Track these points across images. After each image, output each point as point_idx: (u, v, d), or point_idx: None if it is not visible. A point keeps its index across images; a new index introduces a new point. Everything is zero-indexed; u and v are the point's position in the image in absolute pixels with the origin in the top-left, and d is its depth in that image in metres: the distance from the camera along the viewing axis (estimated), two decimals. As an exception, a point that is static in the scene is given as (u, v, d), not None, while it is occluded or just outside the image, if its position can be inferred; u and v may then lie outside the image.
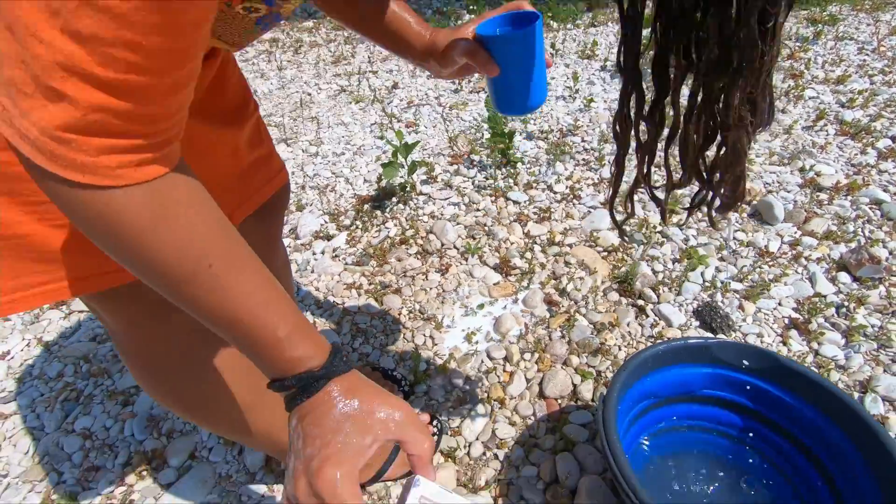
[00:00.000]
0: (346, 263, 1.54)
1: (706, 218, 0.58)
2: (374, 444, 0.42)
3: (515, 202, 1.72)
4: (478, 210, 1.71)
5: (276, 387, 0.44)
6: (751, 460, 0.88)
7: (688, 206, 0.60)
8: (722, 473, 0.88)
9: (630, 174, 0.57)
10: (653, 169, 0.57)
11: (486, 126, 2.13)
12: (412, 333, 1.32)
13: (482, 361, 1.23)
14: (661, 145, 0.53)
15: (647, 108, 0.53)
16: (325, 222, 1.72)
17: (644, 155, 0.55)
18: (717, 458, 0.90)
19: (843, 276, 1.36)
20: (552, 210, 1.67)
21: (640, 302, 1.33)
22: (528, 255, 1.52)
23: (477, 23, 0.66)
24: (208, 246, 0.38)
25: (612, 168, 0.59)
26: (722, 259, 1.45)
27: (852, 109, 2.07)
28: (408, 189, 1.78)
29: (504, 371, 1.21)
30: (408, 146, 1.70)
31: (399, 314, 1.37)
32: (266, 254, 0.83)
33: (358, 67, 2.93)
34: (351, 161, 2.06)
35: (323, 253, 1.59)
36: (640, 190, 0.57)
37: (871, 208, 1.58)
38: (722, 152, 0.51)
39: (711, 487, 0.86)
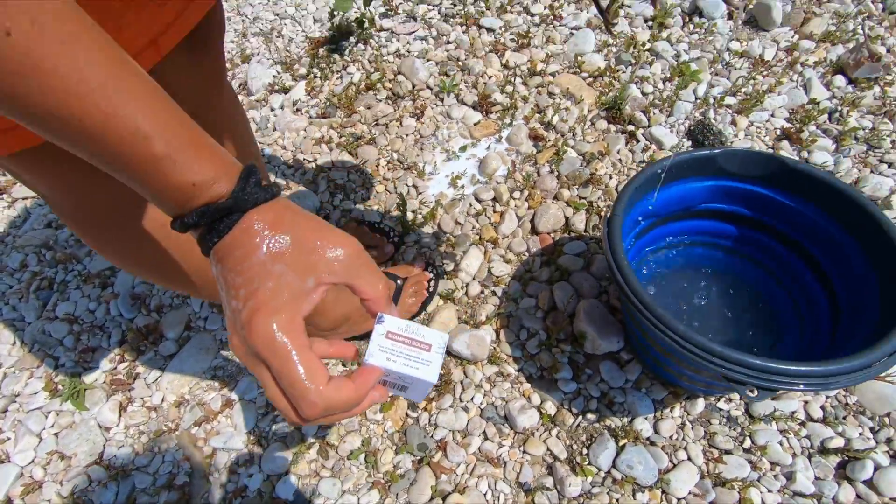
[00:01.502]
0: (311, 117, 1.40)
1: None
2: (319, 287, 0.34)
3: (489, 29, 1.53)
4: (449, 42, 1.52)
5: (177, 226, 0.34)
6: (749, 271, 0.89)
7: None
8: (720, 287, 0.90)
9: None
10: None
11: (447, -61, 1.81)
12: (394, 184, 1.24)
13: (470, 205, 1.18)
14: None
15: None
16: (279, 72, 1.52)
17: None
18: (716, 272, 0.92)
19: (839, 80, 1.29)
20: (531, 35, 1.49)
21: (631, 127, 1.26)
22: (509, 88, 1.39)
23: None
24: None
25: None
26: (715, 74, 1.35)
27: None
28: (366, 25, 1.55)
29: (494, 212, 1.17)
30: (359, -32, 1.44)
31: (377, 165, 1.28)
32: (211, 96, 0.70)
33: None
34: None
35: (282, 107, 1.42)
36: None
37: (872, 2, 1.45)
38: None
39: (709, 299, 0.89)
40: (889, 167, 1.13)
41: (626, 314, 0.87)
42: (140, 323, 1.08)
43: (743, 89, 1.30)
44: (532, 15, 1.56)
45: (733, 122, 1.24)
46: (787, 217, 0.82)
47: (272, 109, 1.42)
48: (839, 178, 1.12)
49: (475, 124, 1.33)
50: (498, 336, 0.99)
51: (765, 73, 1.34)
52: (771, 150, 1.20)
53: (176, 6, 0.60)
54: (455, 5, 1.61)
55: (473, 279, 1.07)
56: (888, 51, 1.34)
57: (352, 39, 1.57)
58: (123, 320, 1.09)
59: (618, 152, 1.23)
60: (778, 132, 1.23)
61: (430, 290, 1.04)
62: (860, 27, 1.39)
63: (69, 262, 1.20)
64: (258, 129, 1.39)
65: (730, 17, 1.48)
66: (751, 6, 1.49)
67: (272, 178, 1.29)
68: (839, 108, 1.24)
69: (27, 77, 0.27)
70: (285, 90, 1.46)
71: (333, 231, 0.36)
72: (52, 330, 1.09)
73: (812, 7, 1.47)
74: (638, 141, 1.24)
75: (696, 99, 1.30)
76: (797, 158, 1.16)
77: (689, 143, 1.22)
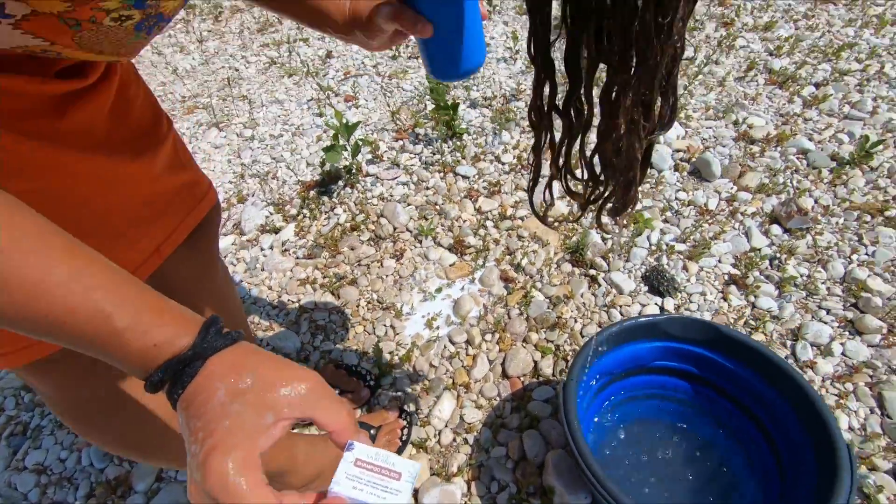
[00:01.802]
0: (298, 257, 1.50)
1: (596, 217, 0.58)
2: (279, 423, 0.34)
3: (465, 177, 1.70)
4: (427, 188, 1.68)
5: (149, 388, 0.35)
6: (703, 423, 0.94)
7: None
8: (675, 437, 0.95)
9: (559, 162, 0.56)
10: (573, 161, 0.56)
11: (428, 97, 2.07)
12: (373, 325, 1.31)
13: (444, 347, 1.25)
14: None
15: (561, 99, 0.52)
16: (271, 213, 1.65)
17: (558, 148, 0.54)
18: (670, 423, 0.97)
19: (776, 229, 1.44)
20: (501, 182, 1.66)
21: (592, 271, 1.38)
22: (482, 231, 1.52)
23: None
24: None
25: (531, 158, 0.58)
26: (666, 221, 1.51)
27: (780, 58, 2.14)
28: (353, 171, 1.72)
29: (467, 355, 1.23)
30: (349, 127, 1.63)
31: (357, 306, 1.36)
32: (205, 281, 0.78)
33: (287, 35, 2.74)
34: (290, 143, 1.96)
35: (272, 248, 1.53)
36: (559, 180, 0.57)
37: (797, 158, 1.67)
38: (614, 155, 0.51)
39: (668, 451, 0.93)
40: (828, 313, 1.23)
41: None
42: (110, 474, 1.07)
43: (692, 236, 1.44)
44: (502, 163, 1.75)
45: (685, 268, 1.36)
46: (731, 378, 0.89)
47: (262, 249, 1.53)
48: (783, 322, 1.22)
49: (450, 265, 1.44)
50: (469, 489, 1.00)
51: (710, 221, 1.49)
52: (721, 294, 1.30)
53: (180, 212, 0.71)
54: (434, 154, 1.81)
55: (446, 426, 1.10)
56: (815, 202, 1.51)
57: (340, 183, 1.73)
58: (94, 470, 1.08)
59: (581, 296, 1.32)
60: (726, 277, 1.34)
61: (403, 438, 1.06)
62: (789, 181, 1.58)
63: (46, 406, 1.21)
64: (247, 269, 1.48)
65: (676, 168, 1.68)
66: (693, 159, 1.69)
67: (257, 319, 1.36)
68: (778, 256, 1.37)
69: None
70: (276, 230, 1.58)
71: (293, 367, 0.37)
72: (19, 482, 1.07)
73: (746, 161, 1.68)
74: (600, 285, 1.35)
75: (650, 245, 1.43)
76: (729, 326, 1.26)
77: (647, 288, 1.32)
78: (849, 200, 1.50)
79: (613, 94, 0.49)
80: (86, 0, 0.38)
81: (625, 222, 1.44)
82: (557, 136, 0.55)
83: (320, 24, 0.65)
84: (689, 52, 2.25)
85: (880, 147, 1.61)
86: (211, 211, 0.75)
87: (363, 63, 2.41)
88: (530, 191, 0.61)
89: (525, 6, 0.48)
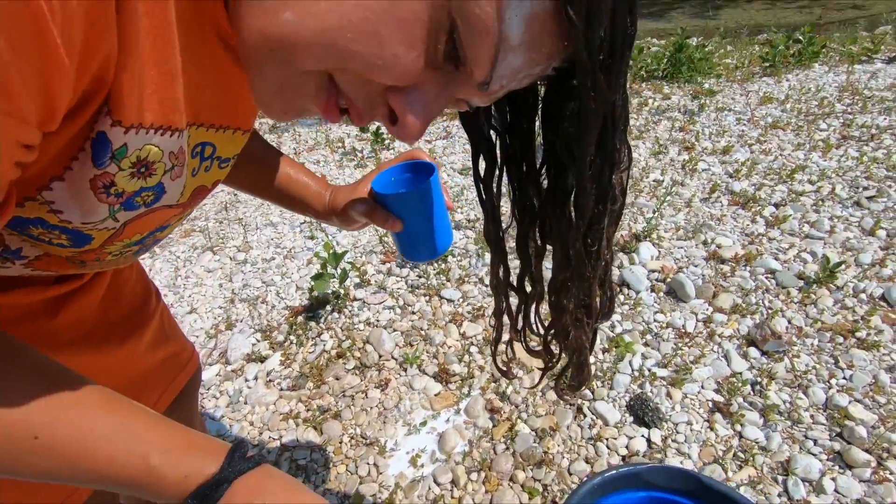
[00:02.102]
0: (282, 389, 1.49)
1: (554, 390, 0.63)
2: None
3: (449, 300, 1.75)
4: (413, 313, 1.72)
5: None
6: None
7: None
8: None
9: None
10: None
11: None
12: (355, 463, 1.27)
13: (429, 488, 1.20)
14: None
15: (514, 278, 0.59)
16: (258, 341, 1.66)
17: (515, 315, 0.60)
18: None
19: (753, 352, 1.47)
20: (485, 306, 1.71)
21: (578, 400, 1.37)
22: (467, 358, 1.53)
23: (374, 175, 0.67)
24: (26, 417, 0.35)
25: (492, 321, 0.63)
26: (646, 344, 1.54)
27: (739, 180, 2.32)
28: (341, 296, 1.77)
29: (452, 497, 1.18)
30: (337, 256, 1.71)
31: (340, 442, 1.32)
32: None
33: (284, 160, 2.94)
34: (282, 266, 2.03)
35: (256, 379, 1.52)
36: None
37: (766, 277, 1.74)
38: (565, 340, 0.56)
39: None
40: (815, 444, 1.22)
41: None
42: None
43: (673, 360, 1.47)
44: (486, 286, 1.81)
45: (669, 395, 1.37)
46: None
47: (246, 381, 1.52)
48: (772, 454, 1.20)
49: (436, 395, 1.43)
50: None
51: (689, 343, 1.53)
52: (707, 423, 1.30)
53: (159, 387, 0.72)
54: (420, 277, 1.87)
55: (430, 585, 1.03)
56: (789, 322, 1.56)
57: (328, 308, 1.76)
58: None
59: (568, 428, 1.31)
60: (710, 404, 1.34)
61: None
62: (761, 301, 1.65)
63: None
64: (230, 403, 1.46)
65: (652, 289, 1.74)
66: (668, 279, 1.76)
67: (235, 458, 1.31)
68: (759, 380, 1.39)
69: (52, 457, 0.35)
70: (262, 359, 1.58)
71: (306, 493, 0.41)
72: None
73: (719, 281, 1.75)
74: (585, 416, 1.34)
75: (632, 371, 1.45)
76: (720, 444, 1.25)
77: (632, 419, 1.32)
78: (820, 321, 1.55)
79: (555, 297, 0.54)
80: (91, 249, 0.43)
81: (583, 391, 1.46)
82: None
83: (302, 210, 0.73)
84: (656, 175, 2.44)
85: (842, 267, 1.70)
86: (191, 378, 0.77)
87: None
88: (493, 349, 0.65)
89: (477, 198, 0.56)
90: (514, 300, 0.62)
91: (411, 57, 0.33)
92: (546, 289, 0.57)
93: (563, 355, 0.60)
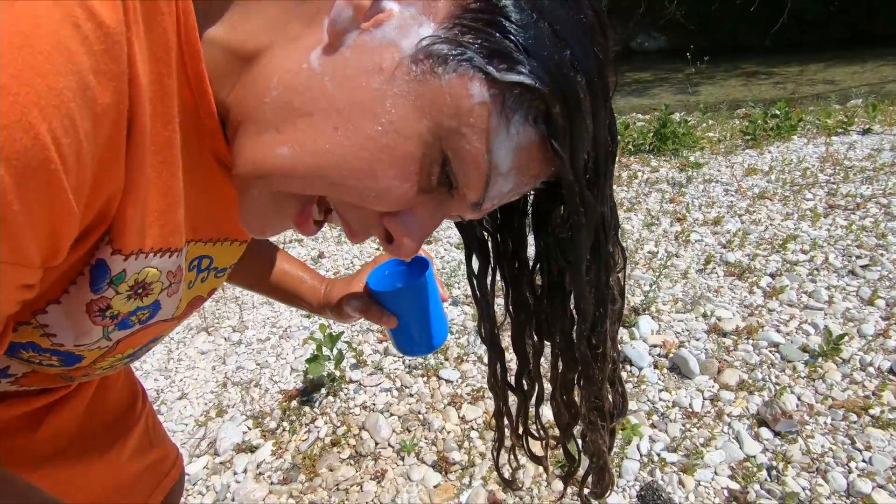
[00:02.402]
0: (272, 483, 1.41)
1: (578, 497, 0.59)
2: None
3: (448, 381, 1.71)
4: (410, 395, 1.66)
5: None
6: None
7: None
8: None
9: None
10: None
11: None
12: (349, 569, 1.18)
13: None
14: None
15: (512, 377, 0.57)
16: (249, 428, 1.59)
17: (516, 418, 0.57)
18: None
19: (765, 432, 1.41)
20: (485, 388, 1.66)
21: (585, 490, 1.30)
22: (467, 444, 1.46)
23: (369, 269, 0.68)
24: None
25: (493, 423, 0.60)
26: (653, 426, 1.48)
27: (732, 251, 2.35)
28: (336, 379, 1.72)
29: None
30: (333, 337, 1.68)
31: (333, 544, 1.23)
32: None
33: (284, 237, 2.99)
34: (277, 347, 1.99)
35: (245, 472, 1.44)
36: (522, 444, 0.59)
37: (770, 351, 1.71)
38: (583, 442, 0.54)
39: None
40: (842, 537, 1.14)
41: None
42: None
43: (682, 443, 1.40)
44: (485, 364, 1.77)
45: (681, 483, 1.30)
46: None
47: (235, 474, 1.44)
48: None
49: (435, 487, 1.35)
50: None
51: (697, 424, 1.47)
52: (724, 515, 1.22)
53: (141, 496, 0.68)
54: (417, 357, 1.83)
55: None
56: (798, 399, 1.52)
57: (323, 391, 1.71)
58: None
59: (576, 523, 1.23)
60: (725, 493, 1.27)
61: None
62: (767, 377, 1.61)
63: None
64: (216, 500, 1.37)
65: (655, 366, 1.71)
66: (671, 354, 1.73)
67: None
68: (775, 464, 1.32)
69: None
70: (252, 450, 1.51)
71: None
72: None
73: (722, 356, 1.72)
74: (594, 508, 1.26)
75: (640, 456, 1.38)
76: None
77: (643, 510, 1.24)
78: (830, 397, 1.50)
79: (563, 397, 0.53)
80: (80, 367, 0.42)
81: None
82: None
83: (297, 304, 0.73)
84: (650, 246, 2.47)
85: (846, 339, 1.67)
86: (176, 484, 0.73)
87: (352, 263, 2.59)
88: (496, 458, 0.61)
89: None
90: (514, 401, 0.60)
91: (405, 188, 0.34)
92: (551, 389, 0.56)
93: (582, 459, 0.57)
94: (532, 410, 0.58)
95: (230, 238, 0.47)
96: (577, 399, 0.53)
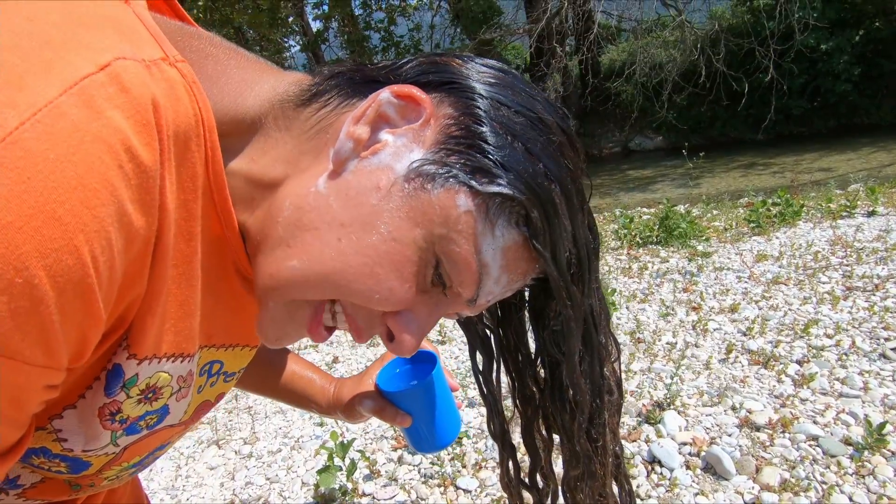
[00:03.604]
0: None
1: None
2: None
3: (466, 490, 1.60)
4: (427, 509, 1.56)
5: None
6: None
7: None
8: None
9: None
10: None
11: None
12: None
13: None
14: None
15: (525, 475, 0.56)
16: (254, 553, 1.49)
17: None
18: None
19: (819, 540, 1.28)
20: (505, 497, 1.55)
21: None
22: (489, 564, 1.34)
23: (378, 368, 0.68)
24: None
25: None
26: (693, 536, 1.35)
27: (754, 338, 2.29)
28: (349, 492, 1.63)
29: None
30: (344, 445, 1.62)
31: None
32: None
33: (300, 343, 3.00)
34: (288, 459, 1.91)
35: None
36: None
37: (810, 445, 1.60)
38: None
39: None
40: None
41: None
42: None
43: (727, 556, 1.27)
44: (505, 471, 1.67)
45: None
46: None
47: None
48: None
49: None
50: None
51: (742, 533, 1.33)
52: None
53: None
54: (433, 464, 1.74)
55: None
56: (850, 499, 1.38)
57: (334, 507, 1.61)
58: None
59: None
60: None
61: None
62: (811, 475, 1.48)
63: None
64: None
65: (687, 466, 1.59)
66: (703, 452, 1.62)
67: None
68: (835, 579, 1.17)
69: None
70: (257, 577, 1.40)
71: None
72: None
73: (759, 452, 1.60)
74: None
75: (683, 573, 1.24)
76: None
77: None
78: (885, 496, 1.37)
79: (570, 494, 0.52)
80: (87, 475, 0.43)
81: None
82: None
83: (306, 406, 0.73)
84: (668, 337, 2.42)
85: (890, 428, 1.56)
86: None
87: (366, 366, 2.56)
88: None
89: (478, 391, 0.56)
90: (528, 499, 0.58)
91: (404, 289, 0.38)
92: (559, 488, 0.55)
93: None
94: None
95: (242, 343, 0.50)
96: (583, 498, 0.51)
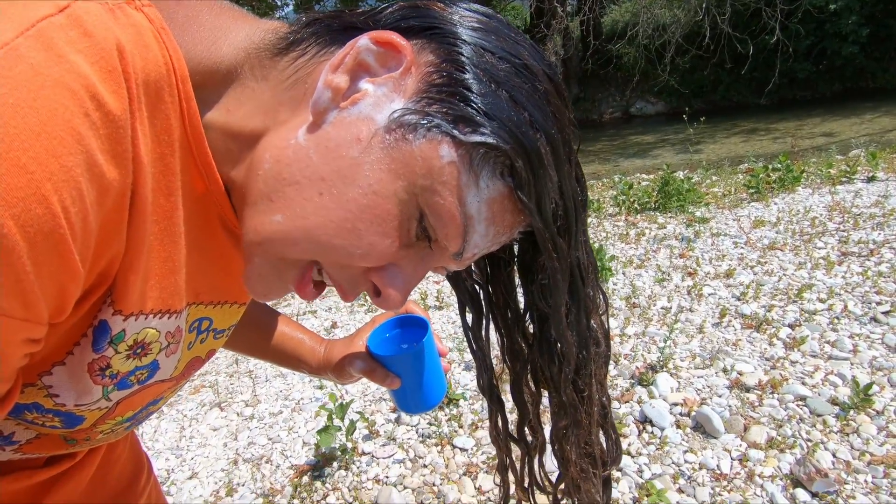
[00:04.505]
0: (281, 566, 1.34)
1: None
2: None
3: (463, 449, 1.65)
4: (424, 466, 1.61)
5: None
6: None
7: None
8: None
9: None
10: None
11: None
12: None
13: None
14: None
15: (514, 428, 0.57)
16: (258, 508, 1.54)
17: (520, 470, 0.57)
18: None
19: (802, 494, 1.33)
20: (501, 455, 1.60)
21: (612, 565, 1.21)
22: (484, 517, 1.39)
23: (368, 330, 0.69)
24: None
25: (498, 477, 0.59)
26: (681, 490, 1.40)
27: (747, 303, 2.31)
28: (348, 451, 1.68)
29: None
30: (343, 406, 1.66)
31: None
32: None
33: (298, 308, 3.03)
34: (289, 420, 1.96)
35: (253, 555, 1.38)
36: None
37: (797, 405, 1.64)
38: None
39: None
40: None
41: None
42: None
43: (713, 509, 1.32)
44: (501, 431, 1.71)
45: (715, 554, 1.20)
46: None
47: (243, 558, 1.38)
48: None
49: (452, 566, 1.27)
50: None
51: (728, 487, 1.38)
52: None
53: None
54: (431, 424, 1.79)
55: None
56: (834, 456, 1.43)
57: (335, 465, 1.66)
58: None
59: None
60: (765, 564, 1.17)
61: None
62: (797, 433, 1.53)
63: None
64: (222, 587, 1.31)
65: (678, 425, 1.64)
66: (693, 412, 1.66)
67: None
68: (815, 529, 1.23)
69: None
70: (261, 530, 1.45)
71: None
72: None
73: (747, 412, 1.65)
74: (623, 585, 1.17)
75: (669, 524, 1.30)
76: None
77: (677, 586, 1.14)
78: (868, 453, 1.42)
79: (557, 446, 0.53)
80: (81, 429, 0.44)
81: None
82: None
83: (296, 366, 0.74)
84: (663, 302, 2.44)
85: (876, 388, 1.60)
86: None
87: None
88: None
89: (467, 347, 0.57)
90: (517, 452, 0.60)
91: (386, 244, 0.37)
92: (547, 439, 0.56)
93: None
94: (534, 461, 0.58)
95: (230, 301, 0.50)
96: (570, 451, 0.52)
